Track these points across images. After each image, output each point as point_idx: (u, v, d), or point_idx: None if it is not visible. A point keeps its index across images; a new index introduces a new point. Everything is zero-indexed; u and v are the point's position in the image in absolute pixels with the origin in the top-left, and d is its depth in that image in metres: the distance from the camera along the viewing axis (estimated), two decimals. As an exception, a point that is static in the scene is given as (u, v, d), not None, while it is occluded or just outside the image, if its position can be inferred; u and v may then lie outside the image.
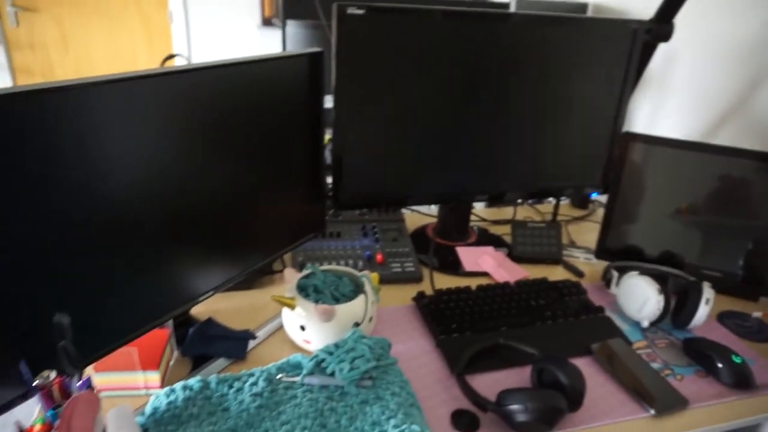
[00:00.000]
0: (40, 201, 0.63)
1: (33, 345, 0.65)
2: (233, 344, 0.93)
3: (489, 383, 0.89)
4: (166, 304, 0.84)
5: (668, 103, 1.99)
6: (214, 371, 0.89)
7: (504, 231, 1.41)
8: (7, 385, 0.64)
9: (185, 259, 0.85)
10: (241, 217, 0.93)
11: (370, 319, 0.94)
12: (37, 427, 0.60)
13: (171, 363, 0.90)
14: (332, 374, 0.82)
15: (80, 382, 0.65)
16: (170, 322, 0.90)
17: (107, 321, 0.75)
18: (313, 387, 0.81)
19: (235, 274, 0.96)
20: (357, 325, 0.91)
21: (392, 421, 0.74)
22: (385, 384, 0.82)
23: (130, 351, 0.80)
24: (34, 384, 0.63)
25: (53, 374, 0.65)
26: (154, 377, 0.83)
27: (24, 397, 0.65)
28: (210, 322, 0.98)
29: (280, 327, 1.00)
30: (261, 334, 0.97)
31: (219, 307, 1.05)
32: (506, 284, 1.13)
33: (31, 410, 0.80)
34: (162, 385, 0.84)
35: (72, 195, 0.66)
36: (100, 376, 0.82)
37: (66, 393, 0.66)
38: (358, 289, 0.99)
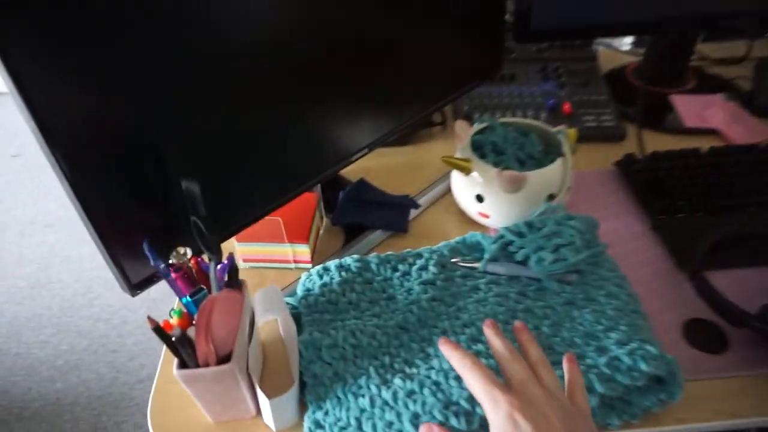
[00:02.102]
0: (167, 51, 0.46)
1: (166, 220, 0.52)
2: (392, 213, 0.76)
3: (735, 287, 0.64)
4: (311, 167, 0.68)
5: None
6: (370, 246, 0.74)
7: (736, 73, 1.04)
8: (143, 259, 0.53)
9: (331, 113, 0.66)
10: (394, 58, 0.71)
11: (568, 189, 0.71)
12: (175, 319, 0.48)
13: (320, 233, 0.77)
14: (522, 262, 0.62)
15: (220, 265, 0.51)
16: (318, 187, 0.75)
17: (246, 189, 0.60)
18: (499, 278, 0.63)
19: (390, 129, 0.76)
20: (551, 197, 0.69)
21: (613, 335, 0.54)
22: (597, 281, 0.61)
23: (275, 221, 0.66)
24: (168, 262, 0.51)
25: (189, 252, 0.52)
26: (303, 250, 0.70)
27: (149, 281, 0.53)
28: (363, 184, 0.81)
29: (446, 193, 0.81)
30: (423, 201, 0.79)
31: (370, 165, 0.88)
32: (752, 147, 0.82)
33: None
34: (312, 260, 0.71)
35: (200, 43, 0.48)
36: (242, 246, 0.70)
37: (205, 276, 0.53)
38: (549, 150, 0.75)
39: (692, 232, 0.69)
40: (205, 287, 0.51)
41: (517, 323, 0.49)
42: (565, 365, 0.46)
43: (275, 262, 0.72)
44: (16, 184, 2.33)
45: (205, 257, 0.52)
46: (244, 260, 0.72)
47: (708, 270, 0.63)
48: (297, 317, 0.61)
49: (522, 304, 0.59)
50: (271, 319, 0.65)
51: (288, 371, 0.59)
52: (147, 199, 0.51)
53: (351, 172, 0.83)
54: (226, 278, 0.53)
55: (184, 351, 0.47)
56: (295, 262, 0.71)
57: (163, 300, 1.68)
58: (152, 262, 0.48)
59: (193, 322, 0.49)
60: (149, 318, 0.45)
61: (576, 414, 0.41)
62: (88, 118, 0.43)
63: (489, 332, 0.47)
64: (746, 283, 0.65)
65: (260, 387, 0.52)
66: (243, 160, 0.58)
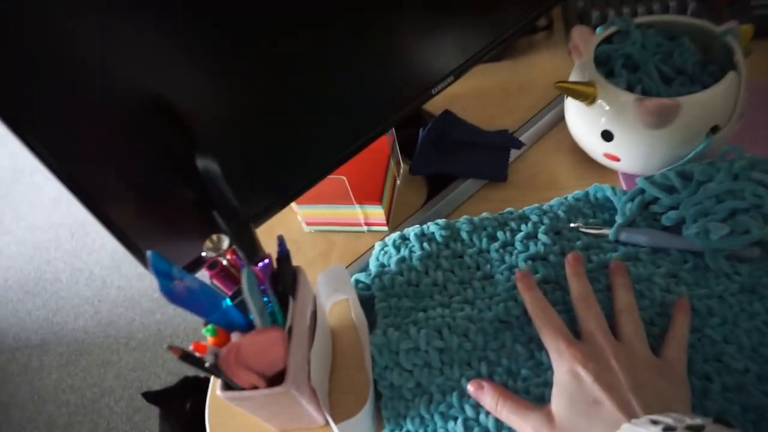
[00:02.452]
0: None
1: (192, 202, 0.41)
2: (486, 156, 0.60)
3: None
4: (379, 108, 0.52)
5: None
6: (458, 201, 0.59)
7: None
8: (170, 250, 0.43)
9: (402, 31, 0.49)
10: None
11: (740, 116, 0.50)
12: (209, 339, 0.37)
13: (398, 184, 0.62)
14: (674, 229, 0.45)
15: (260, 264, 0.39)
16: (392, 130, 0.59)
17: (296, 145, 0.47)
18: (638, 251, 0.46)
19: (481, 47, 0.57)
20: (714, 131, 0.49)
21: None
22: (789, 258, 0.42)
23: (339, 181, 0.53)
24: (196, 258, 0.40)
25: (225, 241, 0.41)
26: (376, 212, 0.56)
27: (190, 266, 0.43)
28: (449, 119, 0.64)
29: (559, 122, 0.63)
30: (527, 138, 0.61)
31: (457, 90, 0.69)
32: None
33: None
34: (388, 221, 0.58)
35: None
36: (303, 209, 0.58)
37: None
38: (710, 60, 0.53)
39: None
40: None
41: (615, 264, 0.44)
42: (674, 315, 0.40)
43: (344, 225, 0.59)
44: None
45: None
46: (308, 223, 0.60)
47: None
48: (370, 301, 0.49)
49: (672, 294, 0.42)
50: (340, 299, 0.54)
51: (363, 367, 0.48)
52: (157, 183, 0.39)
53: (432, 101, 0.66)
54: (271, 274, 0.41)
55: (222, 376, 0.37)
56: (368, 225, 0.58)
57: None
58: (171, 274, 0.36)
59: (236, 331, 0.38)
60: (172, 348, 0.35)
61: (654, 367, 0.37)
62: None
63: (570, 272, 0.44)
64: None
65: (327, 402, 0.41)
66: (287, 109, 0.44)
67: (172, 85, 0.36)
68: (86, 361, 1.44)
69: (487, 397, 0.39)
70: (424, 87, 0.55)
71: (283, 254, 0.44)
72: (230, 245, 0.41)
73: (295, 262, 0.59)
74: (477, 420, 0.40)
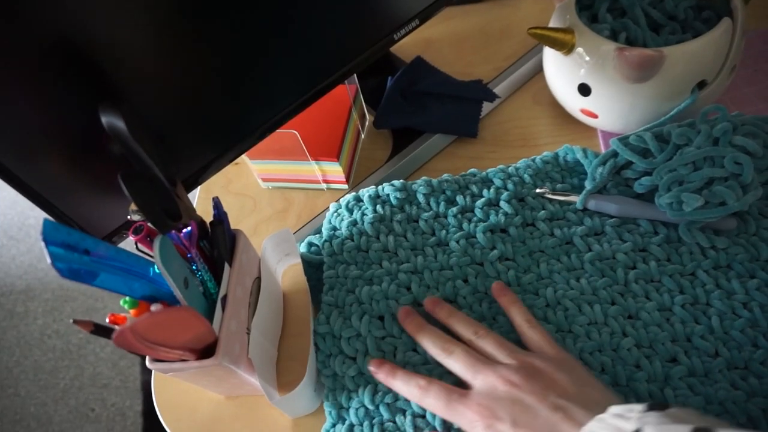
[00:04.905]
0: None
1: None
2: (457, 109, 0.55)
3: None
4: (333, 53, 0.47)
5: None
6: (425, 158, 0.54)
7: None
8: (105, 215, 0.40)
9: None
10: None
11: (732, 69, 0.45)
12: (130, 311, 0.34)
13: (362, 138, 0.58)
14: (647, 197, 0.41)
15: (183, 232, 0.36)
16: (354, 75, 0.54)
17: (237, 95, 0.42)
18: (604, 223, 0.42)
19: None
20: (701, 86, 0.44)
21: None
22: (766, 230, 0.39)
23: (290, 135, 0.48)
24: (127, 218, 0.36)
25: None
26: (334, 169, 0.52)
27: (120, 230, 0.40)
28: (420, 66, 0.59)
29: (536, 74, 0.57)
30: (501, 90, 0.56)
31: (430, 33, 0.65)
32: None
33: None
34: (348, 179, 0.54)
35: None
36: (257, 164, 0.54)
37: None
38: (709, 5, 0.47)
39: None
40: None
41: (495, 286, 0.40)
42: (505, 309, 0.38)
43: (303, 182, 0.55)
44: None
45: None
46: (264, 179, 0.56)
47: None
48: (321, 266, 0.46)
49: (639, 269, 0.39)
50: (294, 263, 0.51)
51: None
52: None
53: (403, 46, 0.60)
54: (198, 242, 0.37)
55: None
56: (326, 182, 0.54)
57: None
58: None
59: (158, 303, 0.35)
60: (77, 321, 0.32)
61: (531, 370, 0.33)
62: None
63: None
64: None
65: (273, 372, 0.39)
66: (223, 50, 0.40)
67: (77, 20, 0.31)
68: (71, 307, 1.44)
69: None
70: (386, 30, 0.49)
71: (218, 217, 0.40)
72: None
73: (250, 219, 0.56)
74: (424, 414, 0.37)
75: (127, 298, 0.34)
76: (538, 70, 0.57)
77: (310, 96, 0.48)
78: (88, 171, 0.38)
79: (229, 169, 0.54)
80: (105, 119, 0.31)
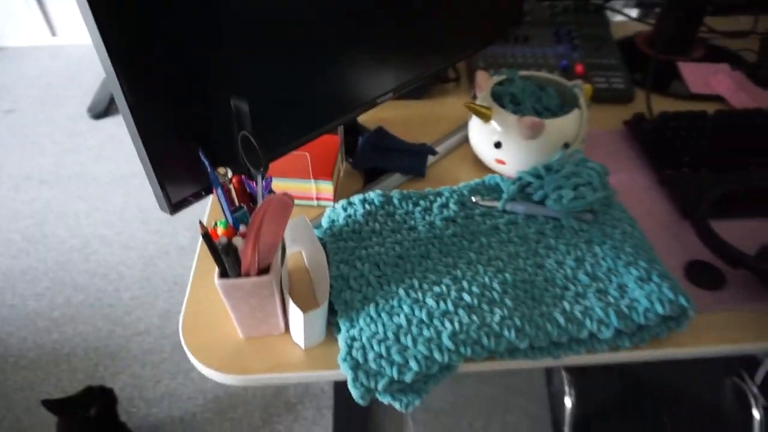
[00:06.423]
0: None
1: (208, 141, 0.54)
2: (411, 158, 0.79)
3: (734, 235, 0.67)
4: (338, 108, 0.69)
5: None
6: (389, 188, 0.76)
7: (742, 46, 1.07)
8: (183, 180, 0.55)
9: (359, 60, 0.67)
10: (419, 12, 0.72)
11: (582, 140, 0.74)
12: (220, 229, 0.50)
13: (341, 175, 0.79)
14: (539, 203, 0.65)
15: (264, 181, 0.53)
16: (340, 130, 0.77)
17: (280, 118, 0.62)
18: (517, 217, 0.66)
19: (411, 77, 0.77)
20: (566, 146, 0.72)
21: (633, 271, 0.57)
22: (612, 221, 0.64)
23: (302, 156, 0.68)
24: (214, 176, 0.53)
25: (230, 172, 0.54)
26: (326, 187, 0.72)
27: (202, 193, 0.55)
28: (382, 132, 0.83)
29: (462, 143, 0.84)
30: (440, 149, 0.81)
31: (387, 115, 0.90)
32: (757, 111, 0.85)
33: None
34: (335, 198, 0.73)
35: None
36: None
37: (245, 196, 0.55)
38: (565, 103, 0.77)
39: (697, 187, 0.73)
40: (244, 206, 0.54)
41: None
42: None
43: (298, 199, 0.74)
44: (9, 139, 2.30)
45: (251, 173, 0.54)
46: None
47: (710, 219, 0.66)
48: (324, 247, 0.63)
49: (542, 242, 0.62)
50: (296, 251, 0.67)
51: (314, 298, 0.62)
52: (195, 121, 0.52)
53: (368, 121, 0.85)
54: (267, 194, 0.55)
55: (227, 260, 0.49)
56: (318, 199, 0.73)
57: (160, 257, 1.69)
58: (208, 169, 0.50)
59: (238, 233, 0.51)
60: (201, 223, 0.47)
61: None
62: (146, 35, 0.45)
63: None
64: (744, 232, 0.69)
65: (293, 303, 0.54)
66: (278, 90, 0.60)
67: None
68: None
69: None
70: (371, 97, 0.73)
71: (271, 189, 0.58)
72: (234, 173, 0.54)
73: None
74: (414, 314, 0.54)
75: (222, 220, 0.50)
76: (463, 141, 0.83)
77: (319, 133, 0.68)
78: (187, 148, 0.55)
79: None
80: (234, 102, 0.50)
